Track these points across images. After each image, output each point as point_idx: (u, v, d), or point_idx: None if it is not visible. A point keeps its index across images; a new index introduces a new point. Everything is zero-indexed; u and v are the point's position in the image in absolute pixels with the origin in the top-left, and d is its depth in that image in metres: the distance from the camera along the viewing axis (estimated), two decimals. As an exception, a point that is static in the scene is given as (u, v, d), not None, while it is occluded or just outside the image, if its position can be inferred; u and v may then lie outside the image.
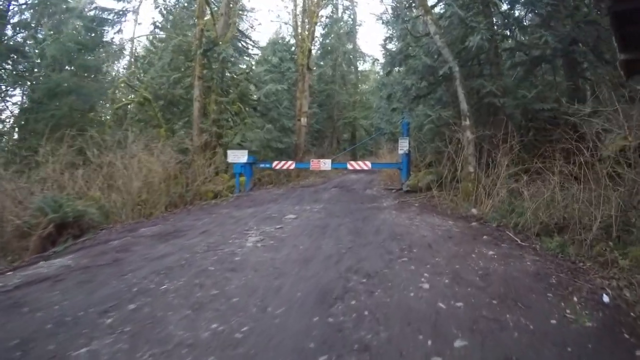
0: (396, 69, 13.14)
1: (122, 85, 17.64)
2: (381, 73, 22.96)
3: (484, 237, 5.96)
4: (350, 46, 34.95)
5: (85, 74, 19.61)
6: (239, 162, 13.03)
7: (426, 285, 3.78)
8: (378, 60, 22.80)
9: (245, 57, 21.48)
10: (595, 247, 5.26)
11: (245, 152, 13.22)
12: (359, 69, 37.62)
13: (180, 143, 18.50)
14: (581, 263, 4.87)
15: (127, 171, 11.93)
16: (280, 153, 20.93)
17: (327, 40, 33.14)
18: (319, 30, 33.00)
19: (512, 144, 8.72)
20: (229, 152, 13.50)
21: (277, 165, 13.55)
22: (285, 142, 20.27)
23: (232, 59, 19.92)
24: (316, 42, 33.67)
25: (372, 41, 70.12)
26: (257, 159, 14.22)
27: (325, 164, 12.91)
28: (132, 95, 19.03)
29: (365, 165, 12.94)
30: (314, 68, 30.24)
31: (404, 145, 12.40)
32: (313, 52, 34.15)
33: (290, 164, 13.44)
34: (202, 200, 13.48)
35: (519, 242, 5.78)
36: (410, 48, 11.95)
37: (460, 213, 8.14)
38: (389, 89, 13.97)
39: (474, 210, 8.21)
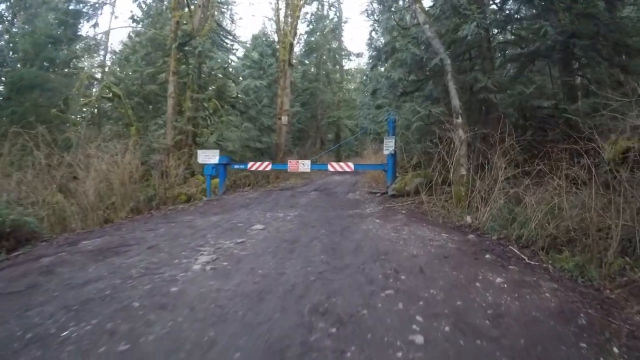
0: (382, 66, 12.18)
1: (87, 80, 16.25)
2: (366, 69, 22.10)
3: (487, 255, 4.94)
4: (335, 44, 33.92)
5: (55, 69, 18.22)
6: (209, 162, 11.88)
7: (420, 339, 2.70)
8: (362, 54, 21.71)
9: (224, 53, 20.17)
10: (612, 265, 4.33)
11: (217, 152, 12.08)
12: (344, 67, 36.58)
13: (153, 142, 17.41)
14: (607, 290, 3.89)
15: (84, 173, 10.87)
16: (260, 153, 19.84)
17: (312, 38, 32.06)
18: (303, 27, 32.02)
19: (511, 144, 7.75)
20: (199, 152, 12.36)
21: (253, 166, 12.44)
22: (264, 141, 19.18)
23: (210, 54, 18.72)
24: (300, 39, 32.78)
25: (358, 39, 69.26)
26: (231, 160, 13.09)
27: (304, 165, 11.85)
28: (98, 91, 17.58)
29: (347, 166, 11.90)
30: (296, 63, 29.22)
31: (389, 145, 11.41)
32: (297, 49, 33.25)
33: (267, 165, 12.34)
34: (171, 205, 12.38)
35: (527, 260, 4.79)
36: (397, 42, 10.97)
37: (454, 222, 7.16)
38: (374, 83, 12.95)
39: (468, 219, 7.24)
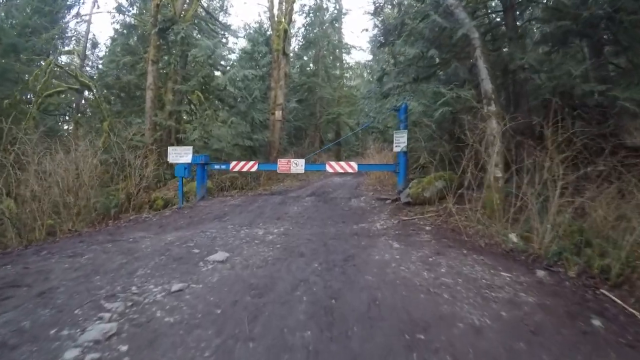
0: (391, 44, 10.05)
1: (49, 67, 14.09)
2: (370, 51, 20.11)
3: (594, 321, 2.83)
4: (335, 37, 31.73)
5: (19, 58, 16.07)
6: (181, 162, 9.75)
7: None
8: (367, 30, 19.11)
9: (210, 40, 17.98)
10: None
11: (189, 149, 9.94)
12: (345, 62, 34.36)
13: (129, 139, 15.37)
14: None
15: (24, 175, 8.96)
16: (252, 152, 17.71)
17: (310, 29, 29.89)
18: (300, 20, 29.92)
19: (566, 138, 5.72)
20: (169, 149, 10.24)
21: (236, 166, 10.33)
22: (256, 139, 17.02)
23: (195, 41, 16.58)
24: (298, 33, 30.65)
25: (359, 32, 66.71)
26: (210, 159, 10.97)
27: (297, 166, 9.71)
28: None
29: (349, 167, 9.71)
30: (293, 57, 27.10)
31: (400, 141, 9.29)
32: (295, 43, 31.16)
33: (252, 165, 10.22)
34: (137, 213, 10.33)
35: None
36: (409, 15, 8.88)
37: (499, 244, 5.08)
38: (381, 66, 10.81)
39: (513, 237, 5.18)
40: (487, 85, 7.35)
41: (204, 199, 10.45)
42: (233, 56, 23.22)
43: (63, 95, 17.70)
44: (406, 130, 9.28)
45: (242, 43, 22.26)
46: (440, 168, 7.93)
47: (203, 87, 16.52)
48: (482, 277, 3.76)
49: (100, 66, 21.97)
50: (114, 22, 23.09)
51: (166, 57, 17.05)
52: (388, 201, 8.81)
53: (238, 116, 16.67)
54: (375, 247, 4.91)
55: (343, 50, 33.04)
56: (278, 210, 8.22)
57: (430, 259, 4.29)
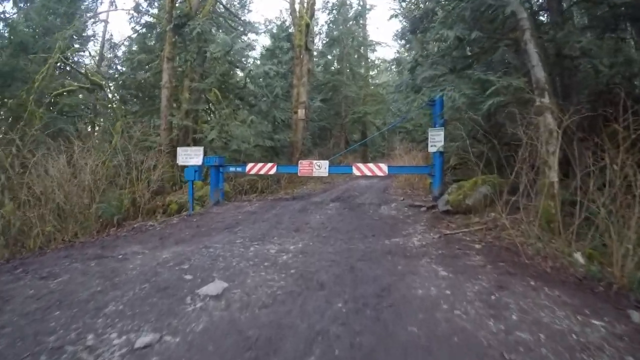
0: (425, 31, 8.92)
1: (56, 63, 13.48)
2: (395, 53, 19.04)
3: None
4: (360, 33, 30.56)
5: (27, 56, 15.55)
6: (191, 164, 8.86)
7: None
8: (396, 16, 17.71)
9: (229, 35, 17.12)
10: None
11: (200, 149, 9.06)
12: (370, 59, 33.09)
13: (143, 141, 14.70)
14: None
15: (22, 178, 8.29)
16: (274, 153, 16.76)
17: (333, 26, 28.83)
18: (324, 17, 28.93)
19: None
20: (179, 150, 9.39)
21: (252, 168, 9.39)
22: (277, 139, 16.07)
23: (212, 37, 15.74)
24: (322, 30, 29.65)
25: (385, 28, 64.93)
26: (227, 160, 10.07)
27: (320, 168, 8.69)
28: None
29: (379, 169, 8.60)
30: (317, 55, 26.13)
31: (436, 140, 8.19)
32: (318, 41, 30.17)
33: (271, 168, 9.24)
34: (147, 218, 9.57)
35: None
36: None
37: (567, 268, 4.01)
38: (414, 55, 9.67)
39: (579, 259, 4.12)
40: (539, 74, 6.22)
41: (219, 204, 9.55)
42: (253, 53, 22.36)
43: (80, 96, 17.12)
44: (443, 128, 8.16)
45: (263, 41, 21.31)
46: (477, 170, 6.80)
47: (222, 85, 15.70)
48: (569, 328, 2.65)
49: (118, 66, 21.51)
50: (131, 22, 22.72)
51: (182, 55, 16.30)
52: (423, 209, 7.67)
53: (259, 115, 15.78)
54: (416, 273, 3.81)
55: (368, 48, 31.81)
56: (298, 219, 7.20)
57: (492, 297, 3.17)
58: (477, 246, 4.84)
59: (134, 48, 18.64)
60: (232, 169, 9.90)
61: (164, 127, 14.85)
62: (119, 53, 23.46)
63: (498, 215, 5.97)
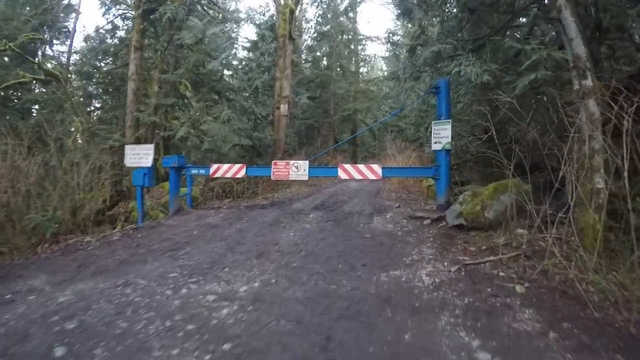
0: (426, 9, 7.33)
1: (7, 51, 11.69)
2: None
3: None
4: (349, 27, 28.91)
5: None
6: (140, 165, 7.21)
7: None
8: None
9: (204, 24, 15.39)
10: None
11: (150, 147, 7.40)
12: (361, 54, 31.48)
13: (106, 139, 13.05)
14: None
15: None
16: (256, 153, 15.13)
17: (323, 21, 27.19)
18: (312, 12, 27.33)
19: None
20: (127, 148, 7.76)
21: (217, 171, 7.74)
22: (257, 137, 14.42)
23: (185, 25, 13.98)
24: (310, 25, 28.03)
25: (375, 22, 63.38)
26: (185, 161, 8.40)
27: (299, 170, 7.07)
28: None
29: (372, 172, 6.92)
30: (303, 45, 24.59)
31: (442, 135, 6.63)
32: (307, 37, 28.49)
33: (239, 170, 7.59)
34: (96, 230, 7.97)
35: None
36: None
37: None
38: (415, 30, 8.10)
39: None
40: (579, 48, 4.73)
41: (180, 212, 7.91)
42: (239, 50, 20.70)
43: (44, 90, 15.29)
44: (449, 120, 6.58)
45: (248, 34, 19.65)
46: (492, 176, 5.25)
47: (195, 77, 14.00)
48: None
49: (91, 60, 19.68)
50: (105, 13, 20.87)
51: (153, 44, 14.63)
52: (427, 221, 6.04)
53: (237, 111, 14.10)
54: (437, 350, 2.22)
55: (361, 42, 30.21)
56: (266, 236, 5.54)
57: None
58: (518, 289, 3.23)
59: (109, 40, 16.83)
60: (194, 171, 8.23)
61: (129, 124, 13.15)
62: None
63: (528, 233, 4.42)
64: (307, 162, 7.25)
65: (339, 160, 20.71)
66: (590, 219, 4.22)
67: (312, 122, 24.21)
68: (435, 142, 6.68)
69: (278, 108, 15.32)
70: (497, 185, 5.45)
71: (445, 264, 3.92)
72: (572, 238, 4.37)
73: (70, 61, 18.96)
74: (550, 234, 3.76)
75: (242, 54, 21.15)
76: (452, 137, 6.72)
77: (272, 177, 7.30)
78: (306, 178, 7.26)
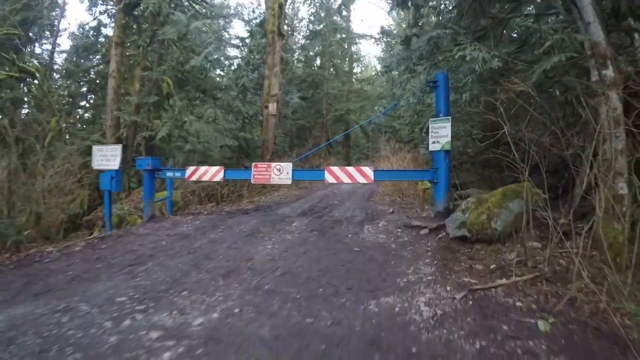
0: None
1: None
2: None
3: None
4: (342, 24, 28.24)
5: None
6: (108, 168, 6.51)
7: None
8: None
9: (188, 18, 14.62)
10: None
11: (117, 148, 6.69)
12: (354, 53, 30.84)
13: (84, 139, 12.37)
14: None
15: None
16: (244, 154, 14.46)
17: (315, 19, 26.57)
18: (304, 10, 26.72)
19: None
20: (94, 149, 7.05)
21: (193, 173, 7.07)
22: (244, 137, 13.73)
23: (168, 20, 13.25)
24: (302, 24, 27.42)
25: (369, 21, 63.02)
26: (160, 163, 7.69)
27: (281, 173, 6.39)
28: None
29: (362, 175, 6.24)
30: (295, 43, 23.93)
31: (441, 134, 5.99)
32: (299, 36, 27.88)
33: (216, 173, 6.91)
34: (59, 240, 7.29)
35: None
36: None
37: None
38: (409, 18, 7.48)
39: None
40: (597, 35, 4.10)
41: (154, 219, 7.23)
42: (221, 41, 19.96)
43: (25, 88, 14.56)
44: (449, 118, 5.94)
45: (238, 32, 18.97)
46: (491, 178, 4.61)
47: (179, 75, 13.30)
48: None
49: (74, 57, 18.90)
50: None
51: (135, 40, 13.92)
52: (424, 231, 5.38)
53: (223, 110, 13.41)
54: None
55: (355, 41, 29.55)
56: (239, 250, 4.85)
57: None
58: (542, 326, 2.56)
59: (94, 38, 16.11)
60: (169, 173, 7.53)
61: (110, 124, 12.47)
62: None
63: (543, 247, 3.79)
64: (290, 164, 6.57)
65: (331, 162, 20.06)
66: (613, 230, 3.63)
67: (303, 123, 23.53)
68: (433, 142, 6.04)
69: (266, 107, 14.62)
70: (505, 190, 4.81)
71: (448, 288, 3.26)
72: (594, 253, 3.76)
73: (56, 59, 18.31)
74: (576, 250, 3.12)
75: (232, 52, 20.55)
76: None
77: (252, 181, 6.61)
78: (289, 182, 6.57)
